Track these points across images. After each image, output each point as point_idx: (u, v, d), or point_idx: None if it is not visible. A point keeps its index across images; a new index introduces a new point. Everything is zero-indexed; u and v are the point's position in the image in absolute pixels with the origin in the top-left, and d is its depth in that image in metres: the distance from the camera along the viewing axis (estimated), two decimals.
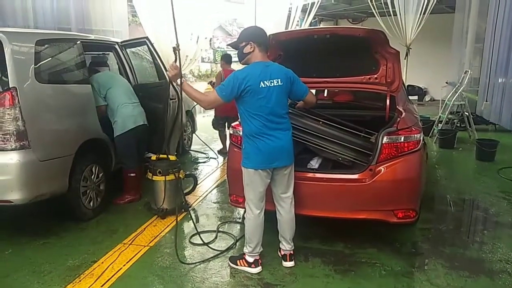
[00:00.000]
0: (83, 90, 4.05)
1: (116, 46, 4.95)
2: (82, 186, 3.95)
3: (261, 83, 2.81)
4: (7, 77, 3.25)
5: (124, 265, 3.20)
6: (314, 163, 3.69)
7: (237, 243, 3.61)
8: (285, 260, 3.20)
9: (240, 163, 3.22)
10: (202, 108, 7.86)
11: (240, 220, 4.11)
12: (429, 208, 4.32)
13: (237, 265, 3.16)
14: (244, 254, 3.16)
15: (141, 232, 3.82)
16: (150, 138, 4.61)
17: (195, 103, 6.83)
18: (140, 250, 3.46)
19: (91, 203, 4.09)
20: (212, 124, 6.98)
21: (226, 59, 6.80)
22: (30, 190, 3.34)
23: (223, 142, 6.90)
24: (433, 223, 4.02)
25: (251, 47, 2.84)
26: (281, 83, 2.89)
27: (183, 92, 2.98)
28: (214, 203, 4.68)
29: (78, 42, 4.18)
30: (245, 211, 3.23)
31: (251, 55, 2.87)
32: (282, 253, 3.24)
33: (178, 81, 2.99)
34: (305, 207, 3.34)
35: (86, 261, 3.27)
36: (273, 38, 3.74)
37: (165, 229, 3.88)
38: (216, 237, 3.72)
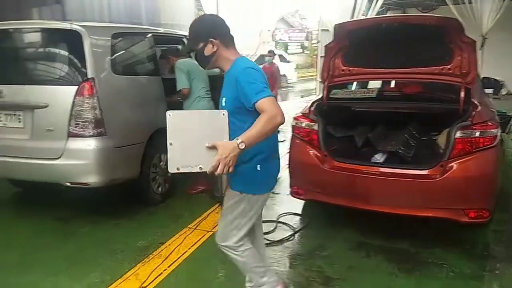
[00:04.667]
0: (154, 82, 4.26)
1: (184, 39, 5.12)
2: (152, 172, 4.16)
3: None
4: (86, 69, 3.50)
5: (189, 248, 3.35)
6: (379, 157, 3.58)
7: (296, 235, 3.62)
8: None
9: (302, 154, 3.18)
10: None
11: (300, 212, 4.11)
12: (504, 208, 4.02)
13: None
14: None
15: (204, 218, 3.96)
16: None
17: None
18: (204, 235, 3.59)
19: (160, 189, 4.31)
20: None
21: None
22: (105, 174, 3.59)
23: None
24: (508, 224, 3.76)
25: (213, 46, 2.07)
26: None
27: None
28: (275, 193, 4.71)
29: (150, 35, 4.39)
30: (306, 210, 3.10)
31: (216, 56, 2.10)
32: None
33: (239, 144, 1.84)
34: (368, 202, 3.27)
35: (155, 243, 3.46)
36: (339, 28, 3.68)
37: None
38: (275, 228, 3.75)
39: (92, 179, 3.53)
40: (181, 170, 1.85)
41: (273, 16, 9.40)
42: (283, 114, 1.89)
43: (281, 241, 3.48)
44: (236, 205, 2.16)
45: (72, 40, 3.52)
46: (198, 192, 4.60)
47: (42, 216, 4.01)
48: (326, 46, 3.94)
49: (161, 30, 5.26)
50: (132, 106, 3.91)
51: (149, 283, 2.87)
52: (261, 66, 7.41)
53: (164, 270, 3.04)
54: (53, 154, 3.48)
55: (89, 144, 3.46)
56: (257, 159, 2.07)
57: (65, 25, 3.68)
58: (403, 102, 4.13)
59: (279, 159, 2.30)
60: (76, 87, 3.43)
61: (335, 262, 3.15)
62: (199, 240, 3.52)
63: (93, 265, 3.13)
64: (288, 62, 19.63)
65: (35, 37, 3.88)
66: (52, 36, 3.80)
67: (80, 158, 3.48)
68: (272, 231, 3.69)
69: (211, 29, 2.09)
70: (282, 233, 3.65)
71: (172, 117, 1.87)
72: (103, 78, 3.58)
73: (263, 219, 3.85)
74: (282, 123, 1.90)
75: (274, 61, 8.41)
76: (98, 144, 3.48)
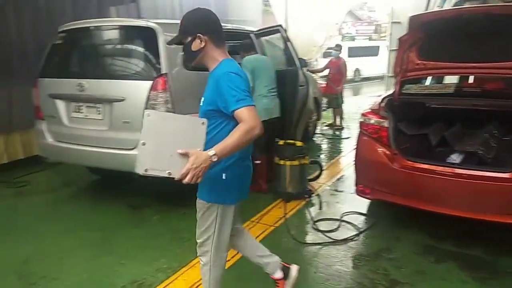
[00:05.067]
0: None
1: (251, 35, 5.16)
2: None
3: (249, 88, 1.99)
4: (160, 64, 3.65)
5: None
6: (456, 158, 3.36)
7: (360, 235, 3.53)
8: None
9: (370, 152, 3.07)
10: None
11: (365, 212, 3.99)
12: None
13: None
14: None
15: (267, 213, 4.00)
16: (281, 124, 4.63)
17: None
18: (266, 229, 3.63)
19: None
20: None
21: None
22: None
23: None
24: None
25: (201, 41, 1.94)
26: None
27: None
28: (338, 191, 4.63)
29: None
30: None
31: (203, 53, 1.97)
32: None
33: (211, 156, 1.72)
34: (441, 205, 3.09)
35: None
36: (415, 20, 3.51)
37: (289, 212, 3.98)
38: (338, 227, 3.68)
39: None
40: (149, 173, 1.74)
41: (341, 9, 9.16)
42: (261, 126, 1.78)
43: (345, 241, 3.41)
44: (205, 216, 2.10)
45: (147, 37, 3.70)
46: (254, 190, 4.57)
47: (117, 203, 4.30)
48: (399, 39, 3.76)
49: (229, 25, 5.35)
50: (200, 101, 4.01)
51: None
52: (327, 60, 7.25)
53: (228, 260, 3.09)
54: (128, 144, 3.68)
55: None
56: (222, 166, 1.94)
57: (141, 22, 3.88)
58: (483, 99, 3.83)
59: (249, 165, 2.14)
60: (151, 82, 3.59)
61: (403, 265, 3.02)
62: (261, 233, 3.56)
63: (162, 251, 3.29)
64: None
65: (114, 34, 4.14)
66: (129, 33, 4.03)
67: None
68: (335, 229, 3.62)
69: (201, 24, 1.96)
70: (346, 232, 3.58)
71: (150, 117, 1.77)
72: (175, 73, 3.72)
73: (326, 217, 3.87)
74: (260, 135, 1.78)
75: (341, 55, 8.21)
76: None
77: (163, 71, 3.62)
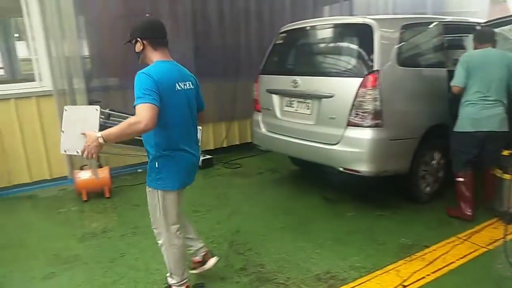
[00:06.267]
0: (437, 74, 3.99)
1: (477, 27, 4.54)
2: (422, 170, 3.98)
3: (177, 84, 2.35)
4: (373, 61, 3.57)
5: (457, 260, 3.05)
6: None
7: None
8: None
9: None
10: None
11: None
12: None
13: None
14: (170, 286, 2.69)
15: (478, 231, 3.50)
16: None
17: None
18: (476, 250, 3.19)
19: (428, 188, 4.09)
20: None
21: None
22: (378, 165, 3.64)
23: None
24: None
25: (141, 45, 2.37)
26: (192, 86, 2.50)
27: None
28: None
29: (438, 24, 4.10)
30: None
31: (144, 54, 2.40)
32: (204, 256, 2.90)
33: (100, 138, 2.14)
34: None
35: (418, 244, 3.31)
36: None
37: (508, 235, 3.38)
38: None
39: (364, 167, 3.64)
40: (68, 153, 2.39)
41: None
42: (149, 122, 2.08)
43: None
44: (149, 198, 2.49)
45: (363, 34, 3.68)
46: (451, 215, 3.83)
47: (313, 194, 4.50)
48: None
49: (448, 18, 4.83)
50: (411, 99, 3.79)
51: (411, 283, 2.78)
52: None
53: (428, 275, 2.87)
54: (332, 140, 3.78)
55: (366, 134, 3.57)
56: (155, 156, 2.37)
57: (358, 19, 3.88)
58: None
59: (183, 158, 2.43)
60: (361, 79, 3.57)
61: None
62: (469, 253, 3.14)
63: (356, 249, 3.29)
64: None
65: (330, 33, 4.26)
66: (345, 31, 4.09)
67: (356, 146, 3.63)
68: None
69: (142, 30, 2.36)
70: None
71: (67, 111, 2.45)
72: (387, 70, 3.59)
73: None
74: (145, 130, 2.11)
75: None
76: (374, 134, 3.55)
77: (375, 67, 3.54)
